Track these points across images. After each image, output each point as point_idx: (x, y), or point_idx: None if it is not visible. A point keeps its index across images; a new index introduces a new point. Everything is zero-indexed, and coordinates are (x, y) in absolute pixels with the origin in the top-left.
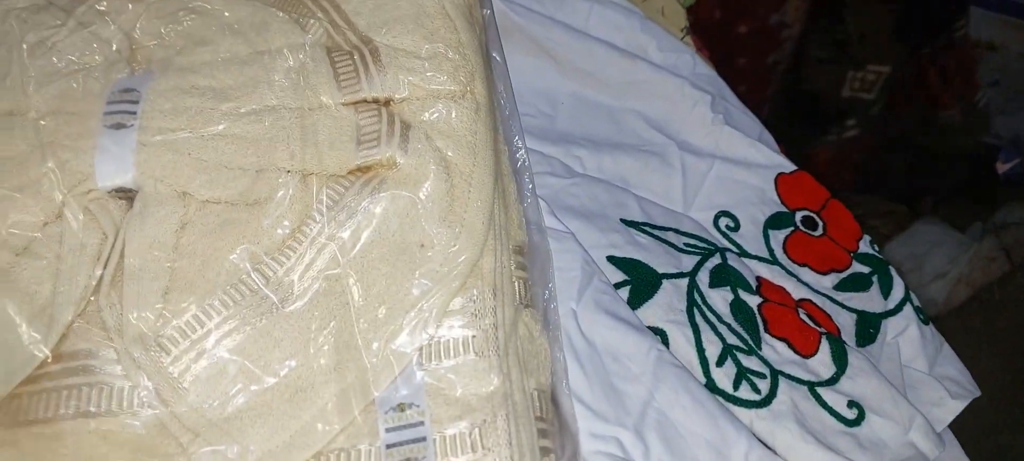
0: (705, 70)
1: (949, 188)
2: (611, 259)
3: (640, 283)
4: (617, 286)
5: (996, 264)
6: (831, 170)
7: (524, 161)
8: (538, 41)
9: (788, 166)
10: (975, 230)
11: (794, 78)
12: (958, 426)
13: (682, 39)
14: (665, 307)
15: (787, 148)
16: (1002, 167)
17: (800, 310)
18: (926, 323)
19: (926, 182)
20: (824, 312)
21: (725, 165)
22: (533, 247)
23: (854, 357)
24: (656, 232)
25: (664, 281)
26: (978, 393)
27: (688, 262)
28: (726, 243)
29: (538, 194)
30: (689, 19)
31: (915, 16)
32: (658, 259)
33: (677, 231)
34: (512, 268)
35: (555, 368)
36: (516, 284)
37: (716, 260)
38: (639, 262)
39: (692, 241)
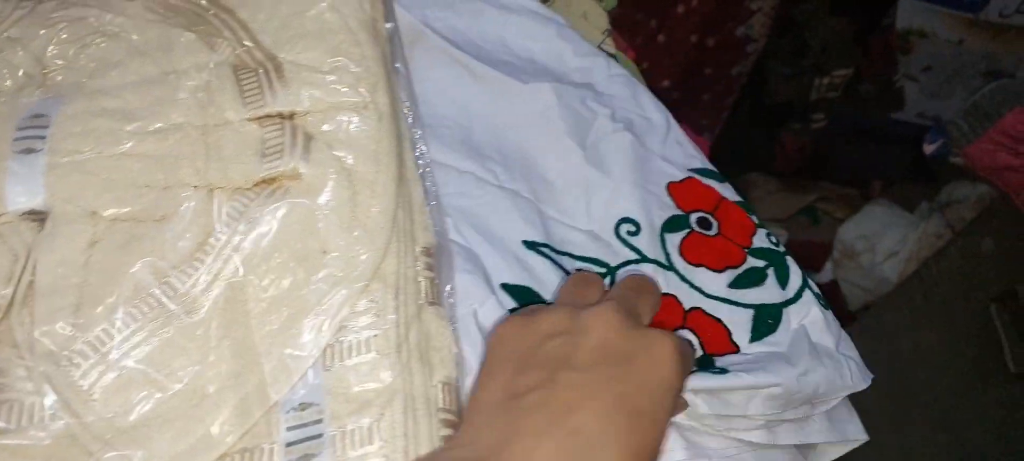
0: (619, 71)
1: (897, 171)
2: (504, 286)
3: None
4: (511, 312)
5: (943, 240)
6: (799, 154)
7: (425, 167)
8: (454, 55)
9: (678, 175)
10: (923, 209)
11: (761, 92)
12: (901, 397)
13: (603, 40)
14: None
15: (759, 142)
16: (928, 148)
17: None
18: (826, 309)
19: (875, 166)
20: (714, 319)
21: (624, 174)
22: (438, 247)
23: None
24: (553, 255)
25: None
26: (871, 378)
27: None
28: (627, 251)
29: (450, 207)
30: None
31: (866, 21)
32: (548, 286)
33: (571, 256)
34: (419, 268)
35: (459, 362)
36: (422, 283)
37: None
38: (529, 290)
39: (584, 266)
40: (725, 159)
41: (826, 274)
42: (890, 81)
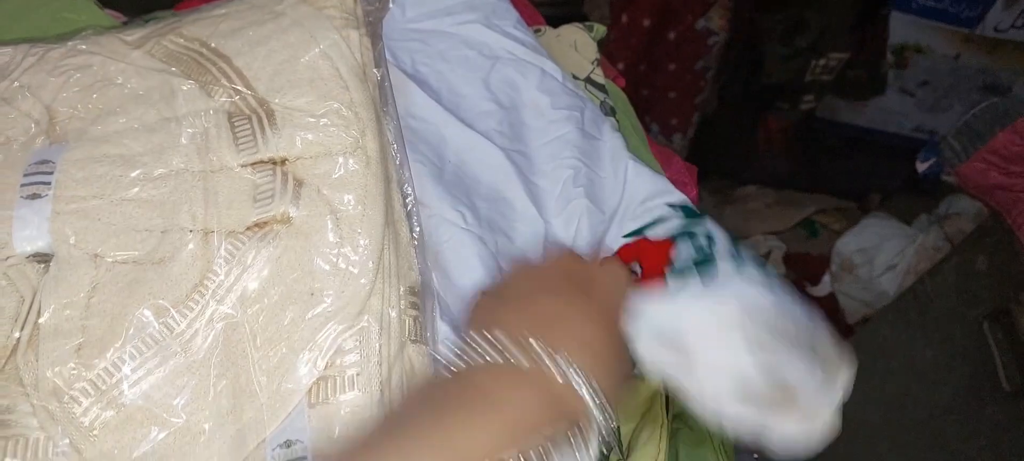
0: (596, 114)
1: (894, 183)
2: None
3: None
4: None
5: (941, 253)
6: (781, 135)
7: (412, 207)
8: (436, 98)
9: (613, 248)
10: (921, 222)
11: (758, 73)
12: (897, 412)
13: (593, 70)
14: None
15: (744, 124)
16: (921, 166)
17: None
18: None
19: (872, 179)
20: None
21: (579, 243)
22: (423, 286)
23: None
24: None
25: None
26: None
27: None
28: None
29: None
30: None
31: (869, 6)
32: None
33: None
34: (403, 307)
35: None
36: (406, 321)
37: None
38: None
39: None
40: (706, 155)
41: (824, 287)
42: (878, 67)
